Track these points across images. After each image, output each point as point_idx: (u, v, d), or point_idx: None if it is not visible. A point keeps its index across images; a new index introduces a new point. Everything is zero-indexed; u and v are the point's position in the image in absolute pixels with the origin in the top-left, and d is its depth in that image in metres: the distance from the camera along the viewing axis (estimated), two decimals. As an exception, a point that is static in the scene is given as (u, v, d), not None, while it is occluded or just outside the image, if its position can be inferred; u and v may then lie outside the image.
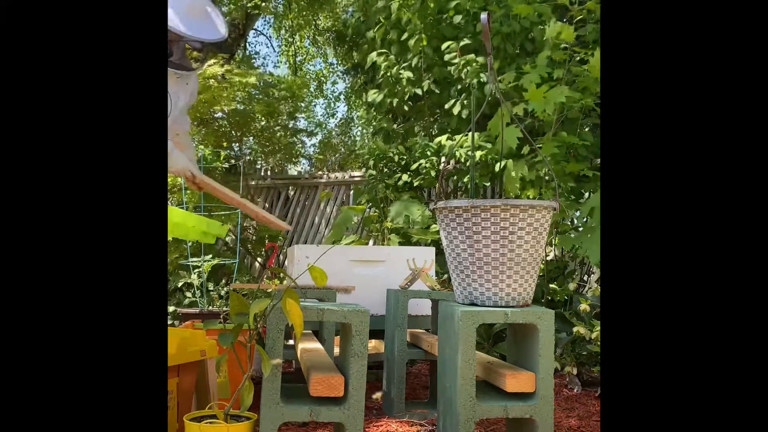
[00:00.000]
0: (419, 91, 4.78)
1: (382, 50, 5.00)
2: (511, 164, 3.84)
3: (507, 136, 3.49)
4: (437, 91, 4.75)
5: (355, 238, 4.53)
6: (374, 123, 5.77)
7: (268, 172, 6.66)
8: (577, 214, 3.83)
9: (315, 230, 6.40)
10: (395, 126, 5.21)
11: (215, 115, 4.94)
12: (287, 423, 2.24)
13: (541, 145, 3.54)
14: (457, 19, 4.55)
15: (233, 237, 5.47)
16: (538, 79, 3.51)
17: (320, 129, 10.80)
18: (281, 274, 3.65)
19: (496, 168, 3.92)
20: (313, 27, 10.54)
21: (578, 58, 3.70)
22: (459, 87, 4.54)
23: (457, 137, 4.28)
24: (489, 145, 4.05)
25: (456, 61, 4.41)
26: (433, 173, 4.38)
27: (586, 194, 3.89)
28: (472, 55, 4.38)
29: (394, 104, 4.91)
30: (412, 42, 4.67)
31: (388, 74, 4.84)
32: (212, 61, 4.70)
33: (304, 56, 12.02)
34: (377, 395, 2.83)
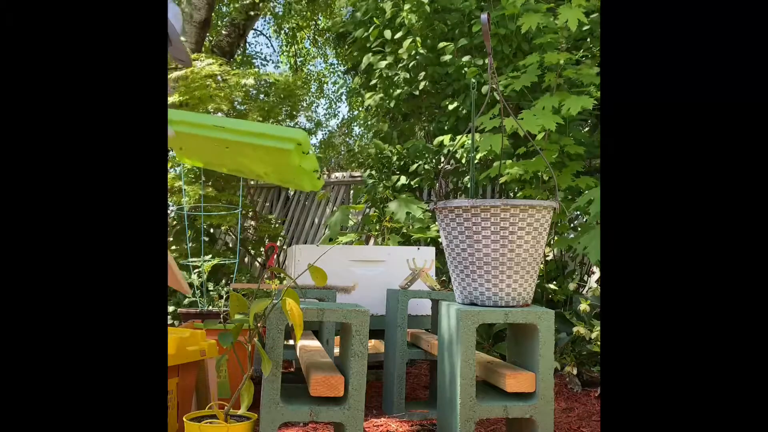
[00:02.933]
0: (416, 92, 4.78)
1: (378, 50, 4.99)
2: (510, 164, 3.85)
3: (493, 142, 3.50)
4: (432, 90, 4.74)
5: (355, 237, 4.53)
6: (370, 123, 5.76)
7: (269, 172, 6.66)
8: (577, 213, 3.83)
9: (315, 230, 6.40)
10: (391, 126, 5.21)
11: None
12: (287, 423, 2.24)
13: (542, 148, 3.54)
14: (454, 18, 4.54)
15: (233, 237, 5.47)
16: (528, 83, 3.49)
17: (319, 128, 10.79)
18: (281, 274, 3.65)
19: (495, 165, 3.92)
20: (312, 27, 10.55)
21: (575, 59, 3.68)
22: (456, 87, 4.54)
23: (458, 137, 4.28)
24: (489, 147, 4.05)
25: (449, 59, 4.41)
26: (432, 174, 4.37)
27: (585, 192, 3.88)
28: (469, 57, 4.38)
29: (391, 105, 4.90)
30: (406, 43, 4.66)
31: (384, 75, 4.84)
32: (210, 60, 4.69)
33: (305, 57, 12.03)
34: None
